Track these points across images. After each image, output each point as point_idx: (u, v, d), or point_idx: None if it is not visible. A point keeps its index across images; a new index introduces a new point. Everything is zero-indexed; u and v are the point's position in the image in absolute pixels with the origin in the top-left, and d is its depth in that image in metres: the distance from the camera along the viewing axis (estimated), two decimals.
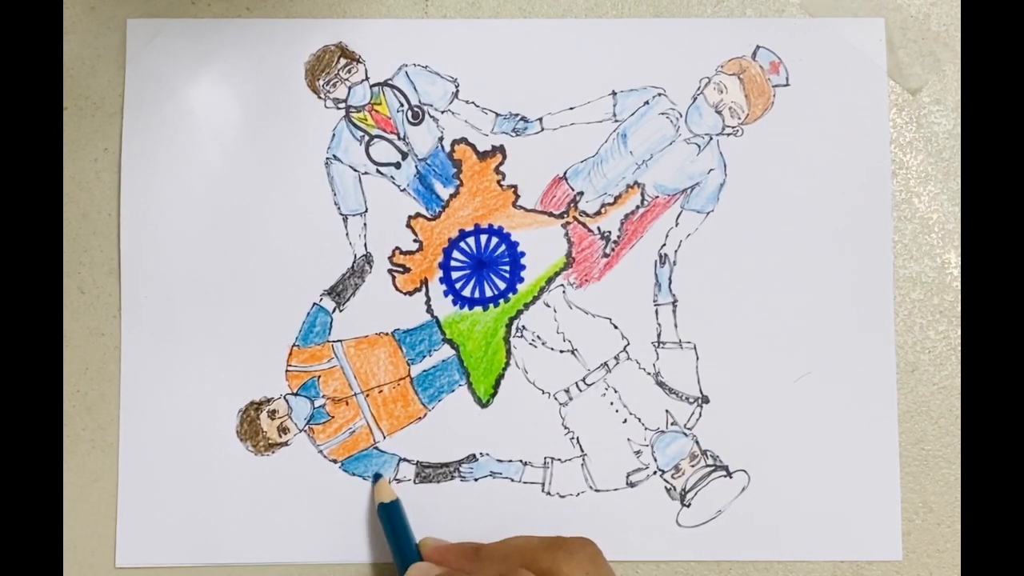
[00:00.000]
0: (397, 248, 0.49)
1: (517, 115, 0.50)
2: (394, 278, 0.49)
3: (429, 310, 0.49)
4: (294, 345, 0.49)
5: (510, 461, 0.48)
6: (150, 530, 0.48)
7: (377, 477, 0.48)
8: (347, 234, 0.49)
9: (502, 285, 0.49)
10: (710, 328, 0.49)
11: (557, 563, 0.42)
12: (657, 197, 0.50)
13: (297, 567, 0.48)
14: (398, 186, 0.49)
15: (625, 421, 0.49)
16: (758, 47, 0.50)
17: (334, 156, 0.49)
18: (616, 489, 0.48)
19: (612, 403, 0.49)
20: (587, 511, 0.48)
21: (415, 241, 0.49)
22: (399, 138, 0.50)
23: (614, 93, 0.50)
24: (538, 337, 0.49)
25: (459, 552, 0.46)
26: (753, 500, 0.48)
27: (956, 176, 0.50)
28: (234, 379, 0.49)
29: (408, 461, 0.48)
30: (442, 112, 0.50)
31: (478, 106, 0.50)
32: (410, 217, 0.49)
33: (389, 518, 0.47)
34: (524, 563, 0.42)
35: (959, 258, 0.49)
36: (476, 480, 0.48)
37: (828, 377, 0.49)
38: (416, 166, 0.49)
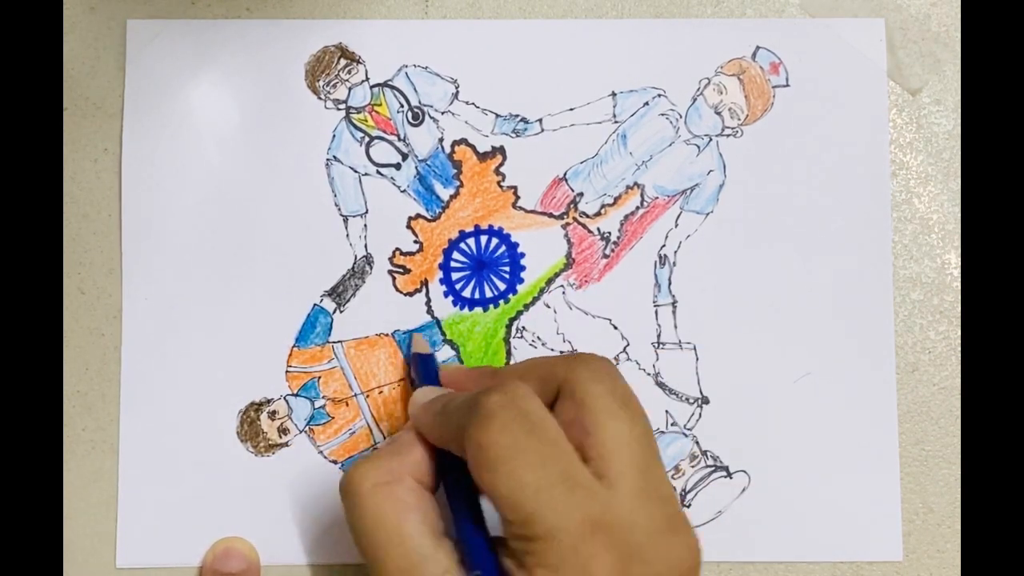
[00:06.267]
0: (397, 249, 0.49)
1: (517, 116, 0.50)
2: (394, 279, 0.49)
3: (429, 311, 0.49)
4: (294, 346, 0.49)
5: None
6: (150, 530, 0.48)
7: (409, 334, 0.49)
8: (347, 235, 0.49)
9: (502, 286, 0.49)
10: (710, 329, 0.49)
11: (574, 371, 0.40)
12: (657, 198, 0.50)
13: (297, 567, 0.48)
14: (398, 187, 0.49)
15: None
16: (758, 47, 0.50)
17: (334, 157, 0.49)
18: None
19: None
20: None
21: (415, 242, 0.49)
22: (399, 139, 0.50)
23: (614, 94, 0.50)
24: (538, 338, 0.49)
25: (475, 374, 0.45)
26: (753, 500, 0.48)
27: (956, 176, 0.50)
28: (234, 380, 0.49)
29: None
30: (442, 113, 0.50)
31: (478, 107, 0.50)
32: (410, 218, 0.49)
33: (424, 368, 0.46)
34: (540, 376, 0.40)
35: (959, 258, 0.49)
36: None
37: (828, 377, 0.49)
38: (416, 167, 0.49)
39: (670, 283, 0.49)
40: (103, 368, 0.48)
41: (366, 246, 0.49)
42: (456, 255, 0.49)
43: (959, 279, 0.49)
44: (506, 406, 0.38)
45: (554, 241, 0.49)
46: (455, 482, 0.42)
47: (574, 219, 0.50)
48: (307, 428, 0.48)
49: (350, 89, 0.50)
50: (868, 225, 0.49)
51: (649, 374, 0.49)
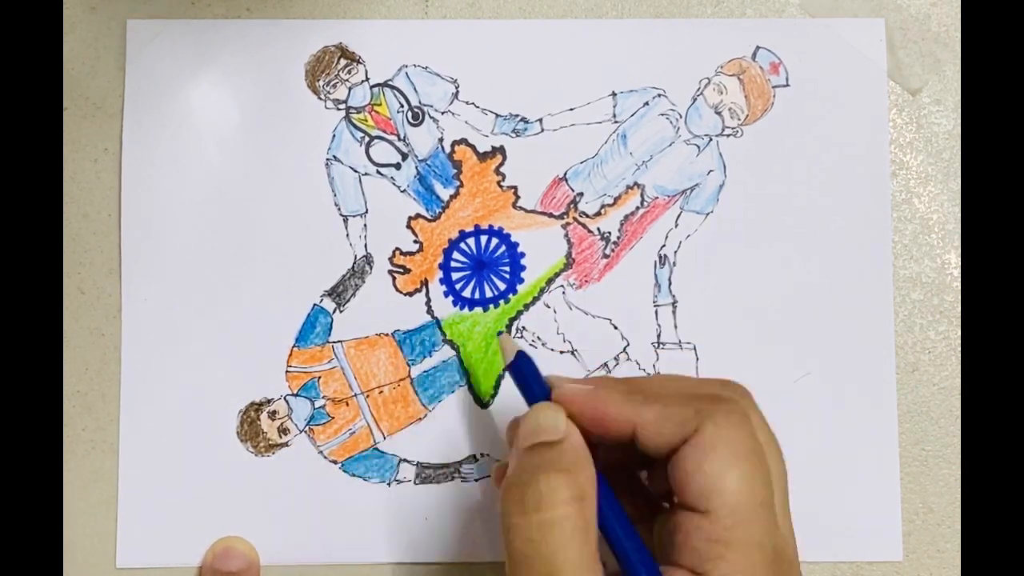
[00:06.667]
0: (397, 249, 0.49)
1: (517, 116, 0.50)
2: (394, 279, 0.49)
3: (429, 311, 0.49)
4: (294, 346, 0.49)
5: None
6: (150, 530, 0.48)
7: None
8: (347, 235, 0.49)
9: (502, 286, 0.49)
10: (710, 329, 0.49)
11: (706, 419, 0.38)
12: (657, 198, 0.50)
13: (297, 567, 0.48)
14: (398, 187, 0.49)
15: None
16: (758, 47, 0.50)
17: (334, 157, 0.49)
18: None
19: None
20: None
21: (415, 242, 0.49)
22: (399, 139, 0.50)
23: (614, 94, 0.50)
24: (538, 338, 0.49)
25: (607, 387, 0.40)
26: None
27: (956, 176, 0.50)
28: (234, 380, 0.49)
29: (408, 462, 0.48)
30: (442, 113, 0.50)
31: (478, 107, 0.50)
32: (410, 218, 0.49)
33: (520, 373, 0.43)
34: (679, 412, 0.38)
35: (959, 258, 0.49)
36: (477, 480, 0.48)
37: (828, 377, 0.49)
38: (416, 167, 0.49)
39: (670, 283, 0.49)
40: (103, 368, 0.48)
41: (366, 246, 0.49)
42: (456, 255, 0.49)
43: (959, 279, 0.49)
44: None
45: (554, 241, 0.49)
46: (613, 502, 0.39)
47: (574, 219, 0.50)
48: (307, 428, 0.48)
49: (350, 89, 0.50)
50: (868, 225, 0.49)
51: (649, 374, 0.49)
